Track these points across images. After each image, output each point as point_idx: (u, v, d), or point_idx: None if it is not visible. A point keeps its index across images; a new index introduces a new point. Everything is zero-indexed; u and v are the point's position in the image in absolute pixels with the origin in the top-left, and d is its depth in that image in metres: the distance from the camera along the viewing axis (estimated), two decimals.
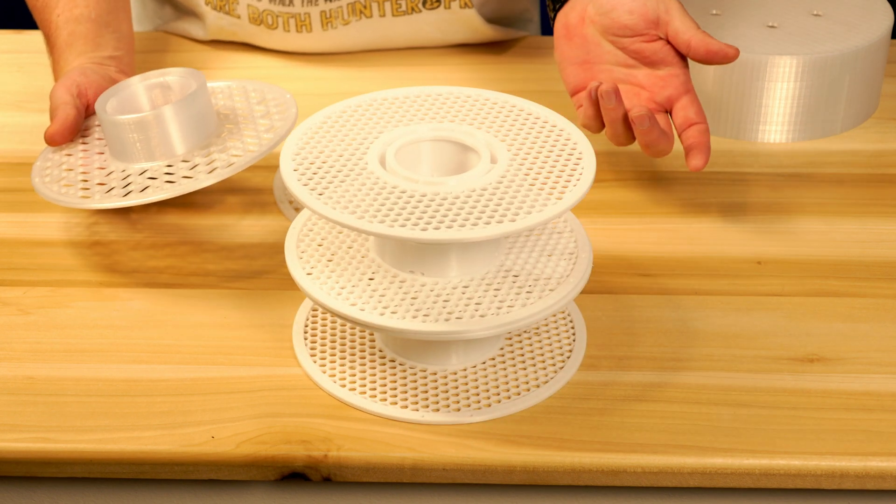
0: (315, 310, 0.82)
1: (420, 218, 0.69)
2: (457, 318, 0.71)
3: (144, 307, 0.83)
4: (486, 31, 1.15)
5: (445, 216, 0.69)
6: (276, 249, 0.89)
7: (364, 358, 0.78)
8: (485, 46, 1.17)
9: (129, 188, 0.83)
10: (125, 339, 0.80)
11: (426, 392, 0.75)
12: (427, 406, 0.74)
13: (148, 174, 0.84)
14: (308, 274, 0.75)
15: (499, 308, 0.72)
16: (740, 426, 0.73)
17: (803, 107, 1.01)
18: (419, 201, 0.70)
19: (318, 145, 0.75)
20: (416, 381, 0.76)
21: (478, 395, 0.75)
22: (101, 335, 0.81)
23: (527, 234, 0.78)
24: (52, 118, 0.90)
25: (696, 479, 0.72)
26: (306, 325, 0.81)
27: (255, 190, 0.96)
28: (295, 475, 0.72)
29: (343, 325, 0.80)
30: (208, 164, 0.84)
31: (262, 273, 0.87)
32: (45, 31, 1.00)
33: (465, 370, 0.77)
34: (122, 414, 0.74)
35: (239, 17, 1.13)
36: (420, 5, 1.12)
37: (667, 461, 0.71)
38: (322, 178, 0.72)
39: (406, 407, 0.74)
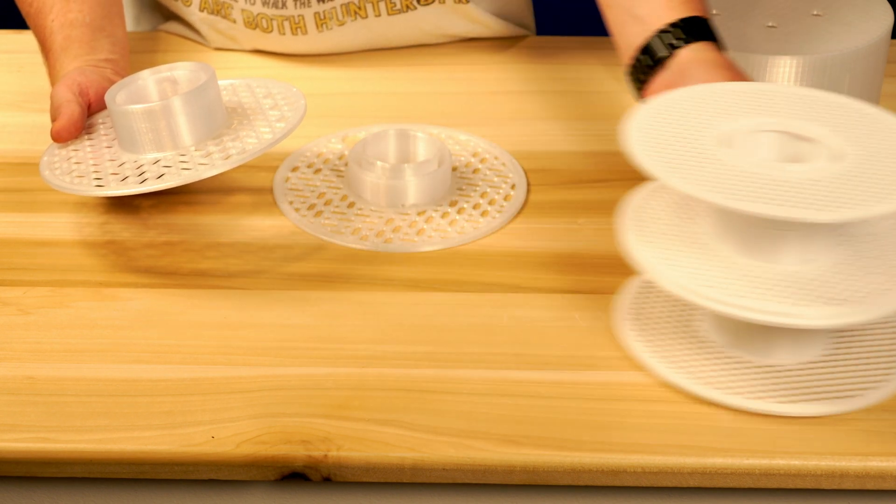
0: (643, 289, 0.83)
1: (787, 200, 0.69)
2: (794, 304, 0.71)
3: (144, 307, 0.83)
4: (484, 22, 1.15)
5: (810, 199, 0.69)
6: (276, 249, 0.89)
7: (687, 342, 0.78)
8: (485, 46, 1.17)
9: (144, 176, 0.84)
10: (125, 339, 0.80)
11: (757, 382, 0.75)
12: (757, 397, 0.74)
13: (162, 163, 0.85)
14: (645, 248, 0.75)
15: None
16: (740, 426, 0.73)
17: None
18: (777, 183, 0.71)
19: (660, 128, 0.76)
20: (744, 372, 0.76)
21: (809, 389, 0.75)
22: (101, 335, 0.81)
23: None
24: (55, 117, 0.90)
25: (696, 479, 0.72)
26: (633, 303, 0.82)
27: (255, 190, 0.96)
28: (295, 475, 0.72)
29: (672, 304, 0.81)
30: (222, 152, 0.85)
31: (263, 273, 0.87)
32: (39, 36, 1.01)
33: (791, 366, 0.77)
34: (122, 414, 0.74)
35: (234, 21, 1.13)
36: (415, 2, 1.12)
37: (667, 461, 0.71)
38: (668, 158, 0.73)
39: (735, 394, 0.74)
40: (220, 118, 0.88)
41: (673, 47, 0.89)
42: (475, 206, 0.93)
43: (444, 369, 0.78)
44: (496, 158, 0.99)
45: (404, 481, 0.72)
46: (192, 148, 0.86)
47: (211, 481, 0.74)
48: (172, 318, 0.82)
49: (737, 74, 0.87)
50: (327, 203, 0.94)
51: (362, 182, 0.93)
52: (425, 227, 0.91)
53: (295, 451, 0.72)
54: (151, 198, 0.94)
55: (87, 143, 0.90)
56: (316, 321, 0.82)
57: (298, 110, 0.88)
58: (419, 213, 0.92)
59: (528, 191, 0.95)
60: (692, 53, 0.88)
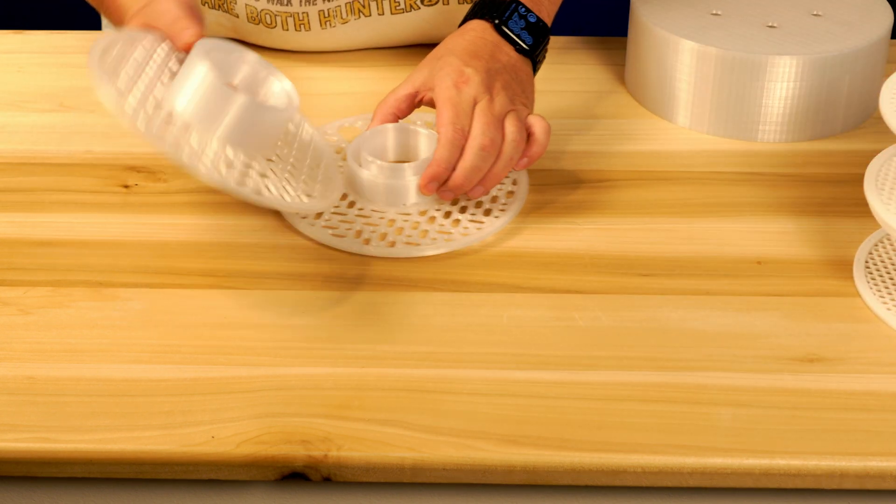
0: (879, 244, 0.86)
1: None
2: None
3: (144, 307, 0.83)
4: None
5: None
6: (276, 249, 0.89)
7: None
8: None
9: (161, 132, 0.78)
10: (125, 339, 0.80)
11: None
12: None
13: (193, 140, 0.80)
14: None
15: None
16: (740, 426, 0.73)
17: (803, 107, 1.01)
18: None
19: None
20: None
21: None
22: (101, 335, 0.81)
23: None
24: (173, 21, 0.84)
25: (696, 479, 0.72)
26: (869, 256, 0.84)
27: None
28: (295, 475, 0.72)
29: None
30: (238, 177, 0.81)
31: (263, 273, 0.87)
32: None
33: None
34: (122, 414, 0.74)
35: (237, 16, 1.13)
36: (419, 2, 1.12)
37: (667, 461, 0.71)
38: None
39: None
40: (261, 146, 0.84)
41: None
42: (477, 205, 0.93)
43: (444, 369, 0.78)
44: None
45: (404, 481, 0.72)
46: (215, 141, 0.81)
47: (211, 481, 0.74)
48: (172, 318, 0.82)
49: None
50: None
51: (362, 181, 0.92)
52: (428, 228, 0.90)
53: (295, 451, 0.72)
54: (152, 197, 0.94)
55: (155, 57, 0.84)
56: (316, 321, 0.82)
57: (329, 197, 0.87)
58: (421, 213, 0.92)
59: (529, 191, 0.95)
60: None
